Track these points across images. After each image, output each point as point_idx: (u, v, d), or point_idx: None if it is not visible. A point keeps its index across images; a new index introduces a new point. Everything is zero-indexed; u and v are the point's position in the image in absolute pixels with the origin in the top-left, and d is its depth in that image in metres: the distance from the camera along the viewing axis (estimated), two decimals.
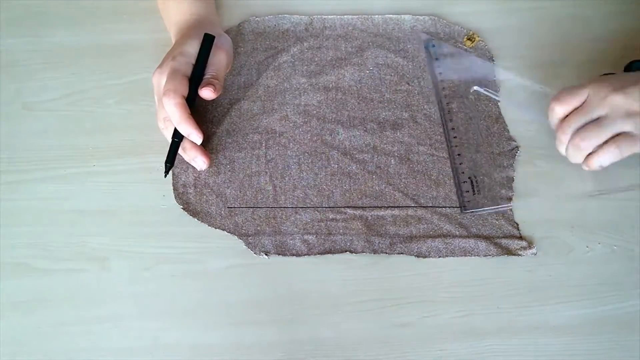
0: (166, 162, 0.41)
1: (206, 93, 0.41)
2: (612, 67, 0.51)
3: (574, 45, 0.52)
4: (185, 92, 0.40)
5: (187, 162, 0.45)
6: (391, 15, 0.54)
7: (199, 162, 0.43)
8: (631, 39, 0.53)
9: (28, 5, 0.55)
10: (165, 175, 0.42)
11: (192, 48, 0.42)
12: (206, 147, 0.46)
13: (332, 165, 0.45)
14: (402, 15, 0.54)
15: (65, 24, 0.54)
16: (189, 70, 0.42)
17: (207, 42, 0.43)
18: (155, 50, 0.51)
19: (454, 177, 0.45)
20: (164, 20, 0.50)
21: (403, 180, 0.44)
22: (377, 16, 0.54)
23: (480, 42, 0.53)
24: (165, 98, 0.39)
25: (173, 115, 0.40)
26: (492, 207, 0.43)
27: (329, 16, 0.54)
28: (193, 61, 0.42)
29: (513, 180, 0.44)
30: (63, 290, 0.39)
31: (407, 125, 0.47)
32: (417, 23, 0.54)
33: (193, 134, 0.41)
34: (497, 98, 0.49)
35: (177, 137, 0.41)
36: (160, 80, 0.41)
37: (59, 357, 0.37)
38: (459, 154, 0.46)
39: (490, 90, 0.49)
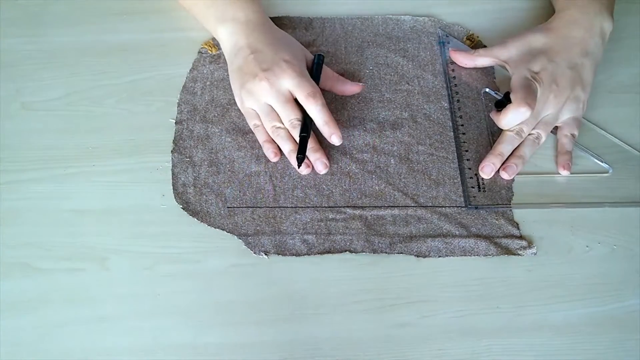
0: (298, 154, 0.42)
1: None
2: (612, 67, 0.51)
3: None
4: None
5: (187, 162, 0.45)
6: (391, 16, 0.55)
7: (320, 164, 0.44)
8: (631, 37, 0.53)
9: (28, 5, 0.55)
10: (299, 166, 0.43)
11: (296, 52, 0.46)
12: (206, 146, 0.46)
13: (332, 164, 0.45)
14: (402, 16, 0.54)
15: (65, 24, 0.54)
16: (306, 67, 0.45)
17: (320, 61, 0.47)
18: (155, 50, 0.52)
19: (460, 173, 0.45)
20: (205, 10, 0.48)
21: (403, 179, 0.44)
22: (376, 16, 0.55)
23: (480, 42, 0.53)
24: (313, 100, 0.42)
25: (320, 116, 0.42)
26: (497, 205, 0.43)
27: (329, 16, 0.54)
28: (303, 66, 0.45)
29: (513, 181, 0.44)
30: (63, 290, 0.39)
31: (407, 124, 0.47)
32: (416, 23, 0.54)
33: (335, 135, 0.43)
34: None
35: (306, 132, 0.43)
36: (277, 81, 0.43)
37: (59, 357, 0.37)
38: (466, 150, 0.46)
39: (498, 93, 0.49)
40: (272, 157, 0.44)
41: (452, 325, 0.38)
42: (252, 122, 0.45)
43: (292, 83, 0.43)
